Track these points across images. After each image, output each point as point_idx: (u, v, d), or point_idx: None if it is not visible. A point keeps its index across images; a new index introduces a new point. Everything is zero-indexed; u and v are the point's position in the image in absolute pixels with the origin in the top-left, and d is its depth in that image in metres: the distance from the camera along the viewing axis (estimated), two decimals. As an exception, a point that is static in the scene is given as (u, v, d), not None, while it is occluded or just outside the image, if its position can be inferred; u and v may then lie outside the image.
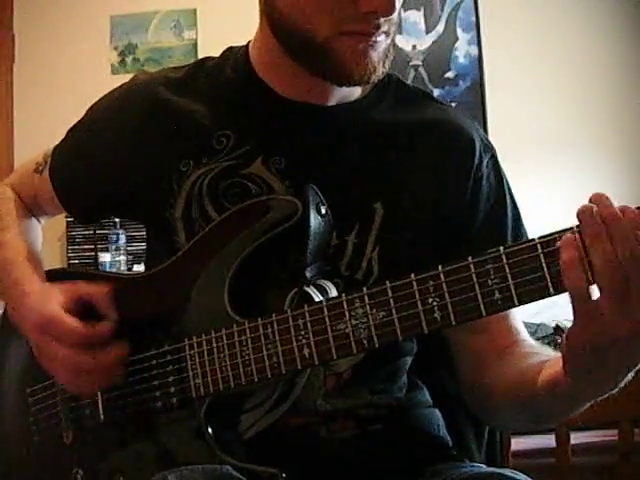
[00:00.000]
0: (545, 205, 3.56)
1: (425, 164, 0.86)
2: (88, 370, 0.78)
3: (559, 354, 0.68)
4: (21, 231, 0.95)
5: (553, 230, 0.61)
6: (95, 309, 0.81)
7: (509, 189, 0.91)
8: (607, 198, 0.60)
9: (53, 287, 0.84)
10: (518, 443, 1.28)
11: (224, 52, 0.93)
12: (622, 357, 0.62)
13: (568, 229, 0.59)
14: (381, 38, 0.77)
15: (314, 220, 0.75)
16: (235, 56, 0.91)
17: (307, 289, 0.74)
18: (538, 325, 1.88)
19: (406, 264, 0.67)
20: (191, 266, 0.80)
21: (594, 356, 0.61)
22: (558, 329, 1.82)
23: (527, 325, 1.88)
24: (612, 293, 0.57)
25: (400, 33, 3.71)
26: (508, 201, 0.90)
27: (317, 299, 0.73)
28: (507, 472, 0.79)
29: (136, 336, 0.81)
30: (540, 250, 0.60)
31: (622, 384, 0.65)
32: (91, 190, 0.93)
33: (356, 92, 0.88)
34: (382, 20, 0.75)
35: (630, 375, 0.65)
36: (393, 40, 0.81)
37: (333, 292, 0.75)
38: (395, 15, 0.77)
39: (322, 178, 0.80)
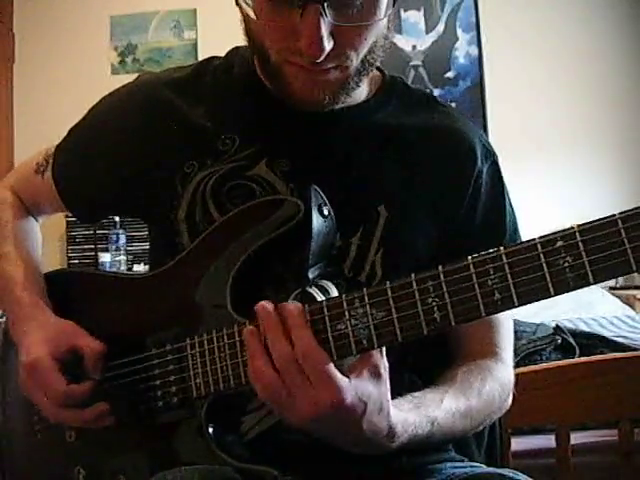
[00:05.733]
0: (544, 204, 3.57)
1: (428, 169, 0.87)
2: (69, 423, 0.82)
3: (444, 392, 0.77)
4: (22, 240, 0.95)
5: (552, 228, 0.61)
6: (83, 364, 0.82)
7: (507, 196, 0.92)
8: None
9: (51, 326, 0.84)
10: (518, 443, 1.27)
11: (229, 52, 0.93)
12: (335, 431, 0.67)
13: (568, 229, 0.59)
14: (331, 71, 0.76)
15: (316, 221, 0.75)
16: (241, 57, 0.91)
17: (310, 290, 0.74)
18: (538, 325, 1.88)
19: (409, 267, 0.67)
20: (194, 266, 0.80)
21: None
22: (558, 329, 1.82)
23: (527, 325, 1.89)
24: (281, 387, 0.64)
25: (400, 33, 3.71)
26: (507, 208, 0.91)
27: (319, 299, 0.73)
28: (507, 472, 0.79)
29: (138, 335, 0.81)
30: (540, 250, 0.59)
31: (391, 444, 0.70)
32: (94, 191, 0.93)
33: (362, 95, 0.88)
34: (318, 61, 0.73)
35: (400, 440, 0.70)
36: (363, 72, 0.79)
37: (334, 293, 0.75)
38: (351, 53, 0.75)
39: (327, 180, 0.80)
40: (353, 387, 0.64)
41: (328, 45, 0.72)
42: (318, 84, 0.77)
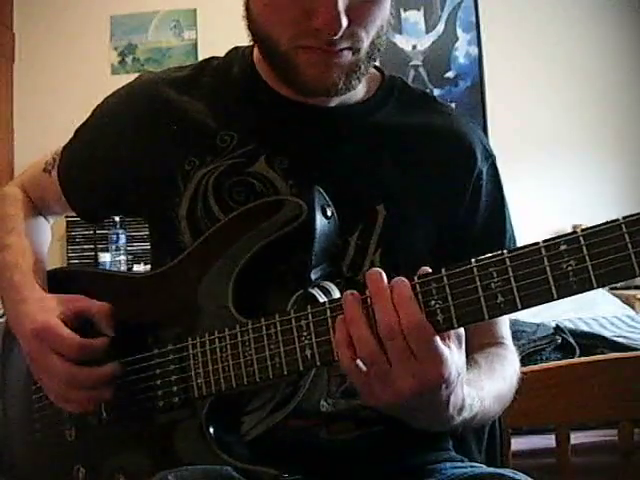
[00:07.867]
0: (544, 204, 3.57)
1: (427, 169, 0.87)
2: (80, 385, 0.78)
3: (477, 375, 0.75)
4: (27, 233, 0.95)
5: (551, 228, 0.61)
6: (93, 325, 0.82)
7: (505, 198, 0.92)
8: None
9: (53, 297, 0.84)
10: (518, 443, 1.28)
11: (229, 52, 0.94)
12: (421, 410, 0.66)
13: (572, 233, 0.59)
14: (345, 53, 0.77)
15: (319, 222, 0.76)
16: (241, 56, 0.92)
17: (312, 290, 0.74)
18: (538, 325, 1.88)
19: (408, 267, 0.67)
20: (196, 266, 0.80)
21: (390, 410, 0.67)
22: (558, 329, 1.83)
23: (527, 325, 1.89)
24: (395, 353, 0.61)
25: (400, 33, 3.72)
26: (506, 209, 0.92)
27: (322, 301, 0.73)
28: (507, 472, 0.79)
29: (139, 335, 0.81)
30: (543, 253, 0.59)
31: (456, 420, 0.69)
32: (97, 189, 0.94)
33: (361, 94, 0.88)
34: (336, 37, 0.73)
35: (464, 414, 0.69)
36: (372, 57, 0.80)
37: (336, 294, 0.75)
38: (362, 33, 0.76)
39: (325, 178, 0.80)
40: (454, 360, 0.63)
41: (345, 21, 0.72)
42: (332, 67, 0.77)
